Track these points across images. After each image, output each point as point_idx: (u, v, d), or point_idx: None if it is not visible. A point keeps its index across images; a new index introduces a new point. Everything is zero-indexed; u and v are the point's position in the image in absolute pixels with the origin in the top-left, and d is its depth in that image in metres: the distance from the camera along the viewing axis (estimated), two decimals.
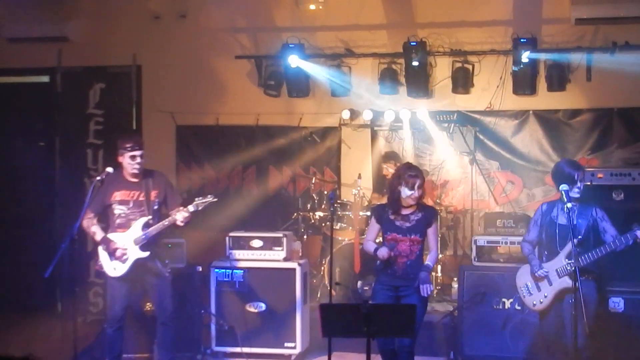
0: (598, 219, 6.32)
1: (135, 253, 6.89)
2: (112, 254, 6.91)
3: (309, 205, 9.48)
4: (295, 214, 9.63)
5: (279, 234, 8.35)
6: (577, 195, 6.28)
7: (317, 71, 10.07)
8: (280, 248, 8.23)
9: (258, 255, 8.26)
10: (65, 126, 10.34)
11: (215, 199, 6.98)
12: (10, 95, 10.44)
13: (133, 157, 6.90)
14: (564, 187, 6.17)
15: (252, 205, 10.52)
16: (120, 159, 6.98)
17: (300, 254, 8.64)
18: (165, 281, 7.11)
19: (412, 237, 6.47)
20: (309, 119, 10.48)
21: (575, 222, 6.11)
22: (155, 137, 10.50)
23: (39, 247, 9.79)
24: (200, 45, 10.58)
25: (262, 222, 9.51)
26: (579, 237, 6.09)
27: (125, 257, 6.90)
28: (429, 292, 6.34)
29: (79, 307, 8.85)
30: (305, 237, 9.44)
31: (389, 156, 9.83)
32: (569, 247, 6.12)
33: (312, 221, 9.38)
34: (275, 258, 8.23)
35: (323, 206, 9.34)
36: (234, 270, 8.22)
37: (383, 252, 6.38)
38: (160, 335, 7.25)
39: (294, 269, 8.15)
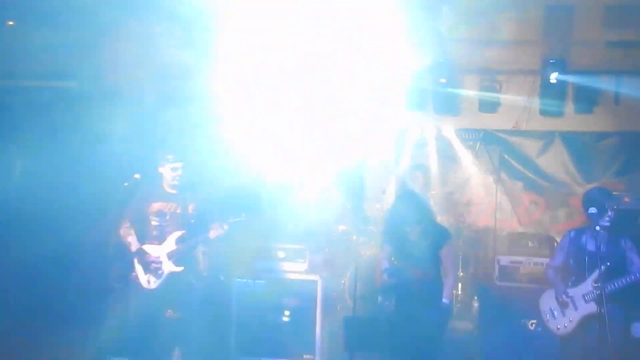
0: (627, 249, 6.35)
1: (169, 267, 6.81)
2: (146, 266, 6.87)
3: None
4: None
5: (302, 246, 8.36)
6: (608, 224, 6.30)
7: None
8: (302, 260, 8.24)
9: (280, 266, 8.27)
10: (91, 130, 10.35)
11: (246, 219, 6.86)
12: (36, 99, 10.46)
13: (174, 169, 6.82)
14: (592, 210, 6.21)
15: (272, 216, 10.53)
16: (161, 169, 6.88)
17: (322, 267, 8.64)
18: (195, 295, 7.00)
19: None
20: None
21: (604, 249, 6.18)
22: None
23: (65, 250, 9.80)
24: None
25: (285, 234, 9.49)
26: (607, 263, 6.13)
27: (160, 271, 6.83)
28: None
29: (99, 312, 8.95)
30: (327, 249, 9.43)
31: (419, 166, 9.78)
32: (596, 273, 6.17)
33: (336, 234, 9.36)
34: (297, 270, 8.24)
35: (346, 219, 9.32)
36: (256, 281, 8.23)
37: None
38: (187, 350, 7.19)
39: (316, 281, 8.16)
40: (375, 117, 10.18)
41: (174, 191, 6.90)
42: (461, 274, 9.47)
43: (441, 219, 9.60)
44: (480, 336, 7.90)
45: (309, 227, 9.79)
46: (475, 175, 10.12)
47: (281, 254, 8.29)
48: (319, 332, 8.10)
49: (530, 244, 8.34)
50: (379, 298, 8.76)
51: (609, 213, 6.31)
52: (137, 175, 6.89)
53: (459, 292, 9.41)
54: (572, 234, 6.60)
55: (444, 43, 9.70)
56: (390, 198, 9.82)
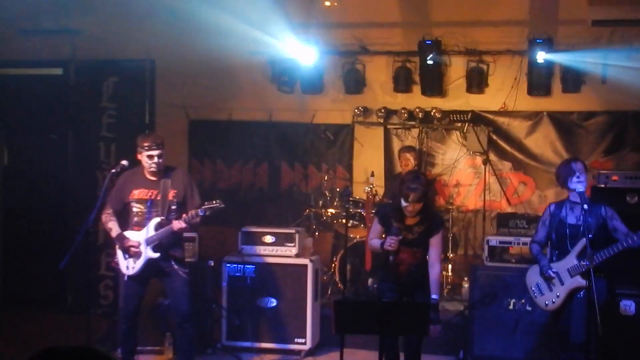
0: (608, 218, 6.29)
1: (147, 253, 6.79)
2: (126, 251, 6.85)
3: (320, 202, 9.47)
4: (306, 211, 9.62)
5: (291, 230, 8.36)
6: (581, 187, 6.25)
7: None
8: (292, 244, 8.24)
9: (270, 250, 8.28)
10: (78, 119, 10.30)
11: (222, 205, 6.68)
12: (23, 87, 10.40)
13: (150, 157, 6.74)
14: (580, 188, 6.21)
15: (263, 201, 10.57)
16: (139, 156, 6.83)
17: (311, 251, 8.66)
18: (181, 282, 6.94)
19: (415, 249, 6.26)
20: (322, 116, 10.47)
21: (585, 221, 6.09)
22: (168, 131, 10.44)
23: (51, 240, 9.79)
24: (215, 39, 10.55)
25: (274, 218, 9.52)
26: (589, 236, 6.02)
27: (138, 256, 6.81)
28: (439, 333, 6.18)
29: (90, 299, 8.95)
30: (316, 233, 9.44)
31: (409, 148, 9.80)
32: (579, 246, 6.18)
33: (324, 218, 9.37)
34: (287, 254, 8.25)
35: (335, 203, 9.33)
36: (246, 266, 8.24)
37: (390, 242, 6.07)
38: (177, 338, 7.19)
39: (306, 265, 8.17)
40: (362, 99, 10.21)
41: (154, 178, 6.87)
42: (451, 255, 9.50)
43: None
44: (469, 317, 7.91)
45: (297, 211, 9.83)
46: (463, 157, 10.13)
47: (270, 239, 8.28)
48: (310, 316, 8.12)
49: (519, 224, 8.34)
50: (369, 280, 8.80)
51: (577, 174, 6.29)
52: (124, 162, 6.85)
53: (449, 274, 9.43)
54: (552, 207, 6.58)
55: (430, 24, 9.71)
56: (378, 180, 9.84)
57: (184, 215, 6.71)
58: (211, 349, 8.21)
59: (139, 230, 6.84)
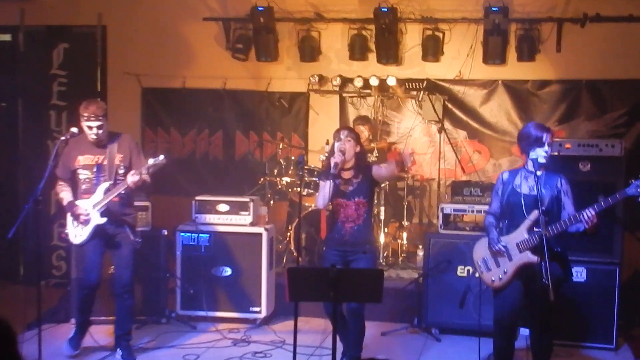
0: (562, 192, 5.87)
1: (95, 218, 6.70)
2: (75, 219, 6.77)
3: (275, 171, 9.40)
4: (261, 180, 9.54)
5: (246, 199, 8.31)
6: (544, 161, 5.82)
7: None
8: (247, 213, 8.19)
9: (224, 219, 8.22)
10: (28, 87, 10.08)
11: (165, 161, 6.65)
12: None
13: (89, 127, 6.65)
14: (533, 155, 5.77)
15: (218, 170, 10.51)
16: (82, 123, 6.73)
17: (266, 219, 8.62)
18: (128, 251, 6.89)
19: (357, 199, 6.46)
20: (277, 84, 10.39)
21: (539, 192, 5.66)
22: (121, 99, 10.38)
23: (1, 210, 9.62)
24: (168, 6, 10.42)
25: (229, 187, 9.44)
26: (543, 208, 5.61)
27: (87, 223, 6.73)
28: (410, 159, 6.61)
29: (42, 270, 8.81)
30: (271, 202, 9.39)
31: (362, 119, 9.78)
32: (531, 218, 5.74)
33: (279, 187, 9.31)
34: (241, 223, 8.20)
35: (290, 172, 9.27)
36: (200, 235, 8.18)
37: (336, 158, 6.40)
38: (116, 308, 7.06)
39: (260, 234, 8.13)
40: (317, 67, 10.14)
41: (98, 143, 6.78)
42: (406, 223, 9.53)
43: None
44: (424, 284, 7.95)
45: (252, 179, 9.77)
46: (418, 125, 10.13)
47: (224, 207, 8.22)
48: (265, 284, 8.10)
49: (473, 191, 8.36)
50: (324, 248, 8.78)
51: (546, 148, 5.83)
52: (73, 129, 6.70)
53: (404, 242, 9.47)
54: (505, 175, 6.11)
55: None
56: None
57: (134, 171, 6.64)
58: (165, 318, 8.15)
59: (88, 197, 6.76)
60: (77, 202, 6.78)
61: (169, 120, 10.64)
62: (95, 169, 6.78)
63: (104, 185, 6.72)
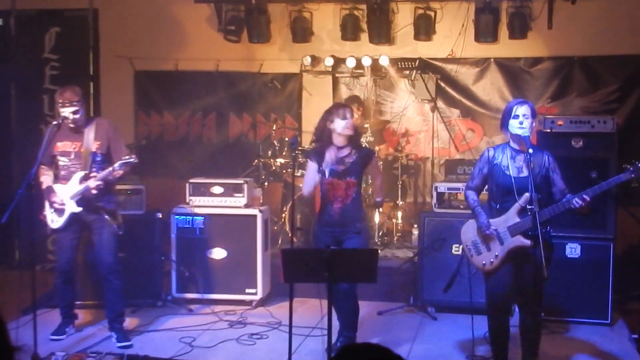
0: (550, 170, 5.75)
1: (71, 207, 6.73)
2: (51, 205, 6.80)
3: (269, 152, 9.40)
4: (255, 161, 9.54)
5: (240, 181, 8.31)
6: (519, 132, 5.65)
7: None
8: (241, 195, 8.20)
9: (219, 201, 8.23)
10: (21, 71, 10.05)
11: (136, 161, 6.65)
12: None
13: (65, 113, 6.66)
14: (523, 132, 5.63)
15: (212, 152, 10.50)
16: (58, 110, 6.77)
17: (261, 201, 8.63)
18: (108, 233, 6.89)
19: (348, 179, 6.45)
20: (269, 65, 10.36)
21: (527, 171, 5.59)
22: (113, 83, 10.36)
23: None
24: None
25: (223, 169, 9.44)
26: (531, 187, 5.46)
27: (62, 209, 6.77)
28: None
29: (38, 255, 8.80)
30: (266, 184, 9.39)
31: (353, 99, 9.76)
32: (521, 202, 5.62)
33: (273, 168, 9.31)
34: (236, 205, 8.21)
35: (284, 153, 9.27)
36: (195, 217, 8.19)
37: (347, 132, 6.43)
38: (104, 291, 7.07)
39: (255, 216, 8.14)
40: (310, 48, 10.12)
41: (76, 130, 6.79)
42: (400, 202, 9.55)
43: (379, 148, 9.67)
44: (419, 263, 7.97)
45: (246, 161, 9.76)
46: (412, 105, 10.13)
47: (219, 189, 8.23)
48: (260, 266, 8.12)
49: (466, 170, 8.37)
50: (316, 227, 8.79)
51: (520, 119, 5.69)
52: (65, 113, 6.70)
53: (399, 221, 9.50)
54: (490, 152, 5.91)
55: None
56: None
57: (97, 173, 6.67)
58: (161, 301, 8.16)
59: (65, 183, 6.78)
60: (55, 187, 6.80)
61: (162, 103, 10.62)
62: (72, 156, 6.80)
63: (79, 174, 6.73)
